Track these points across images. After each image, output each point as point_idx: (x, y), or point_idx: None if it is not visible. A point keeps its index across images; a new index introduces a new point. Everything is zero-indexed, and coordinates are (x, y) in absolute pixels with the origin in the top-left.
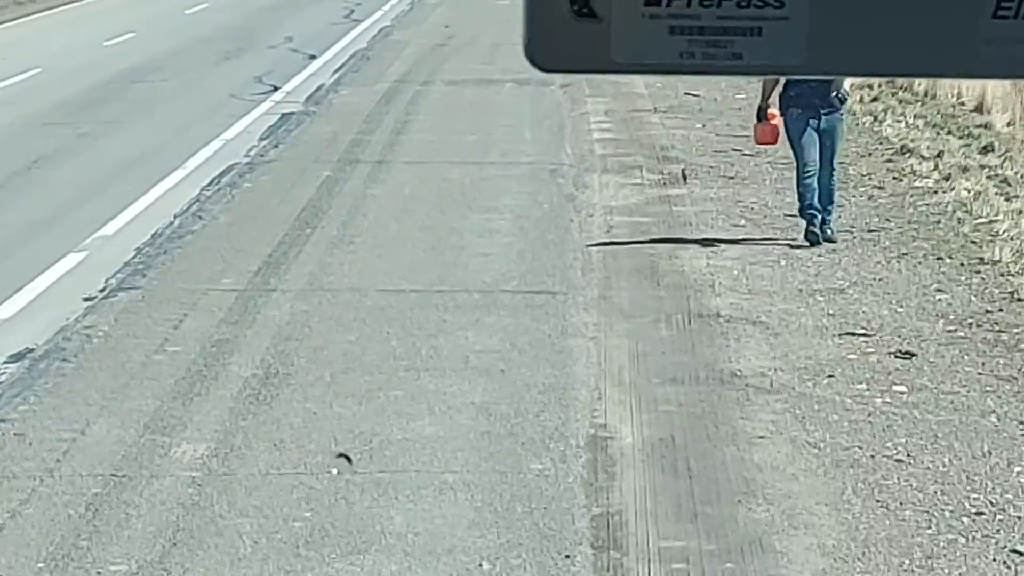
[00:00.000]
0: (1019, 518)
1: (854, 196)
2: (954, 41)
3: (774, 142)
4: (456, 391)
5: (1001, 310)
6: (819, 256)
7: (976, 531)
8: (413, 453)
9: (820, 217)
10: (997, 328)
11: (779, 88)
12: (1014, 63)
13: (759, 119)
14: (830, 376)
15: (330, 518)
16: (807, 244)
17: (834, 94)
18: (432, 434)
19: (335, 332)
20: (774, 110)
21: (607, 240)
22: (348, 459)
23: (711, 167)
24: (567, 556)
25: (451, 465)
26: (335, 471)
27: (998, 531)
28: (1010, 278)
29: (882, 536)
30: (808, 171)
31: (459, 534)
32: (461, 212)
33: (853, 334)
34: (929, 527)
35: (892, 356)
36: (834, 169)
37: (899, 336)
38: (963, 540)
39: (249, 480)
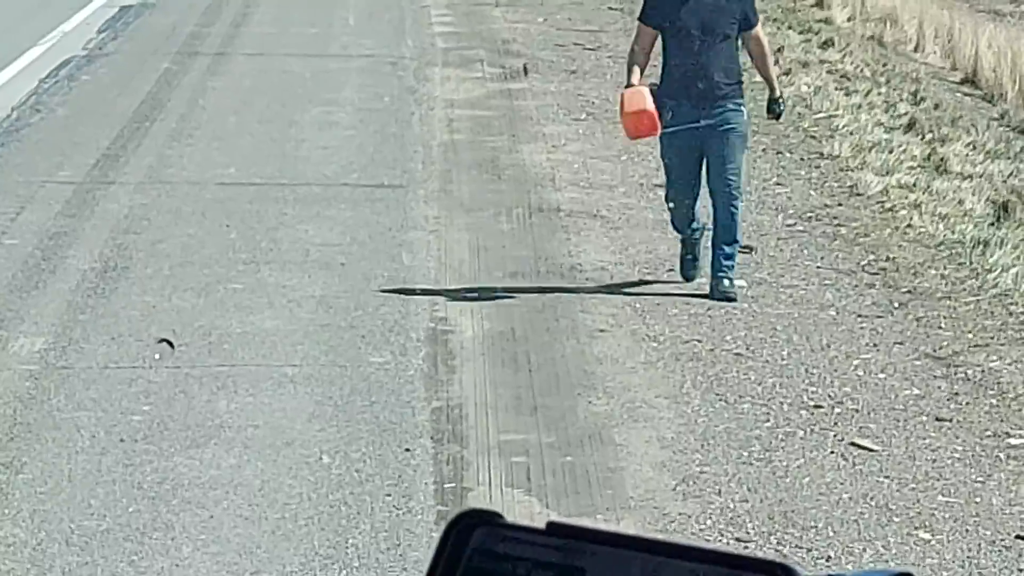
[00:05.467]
0: (857, 411)
1: None
2: None
3: (654, 132)
4: (296, 284)
5: (840, 204)
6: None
7: (814, 424)
8: (252, 346)
9: (694, 250)
10: (836, 222)
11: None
12: None
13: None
14: (670, 270)
15: (169, 411)
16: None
17: (770, 115)
18: (272, 327)
19: (174, 225)
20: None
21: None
22: (171, 344)
23: (552, 61)
24: (407, 449)
25: (291, 358)
26: (157, 356)
27: (836, 424)
28: (849, 172)
29: (721, 429)
30: (678, 195)
31: (298, 427)
32: (301, 105)
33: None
34: (767, 420)
35: None
36: (734, 196)
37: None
38: (801, 433)
39: (87, 374)
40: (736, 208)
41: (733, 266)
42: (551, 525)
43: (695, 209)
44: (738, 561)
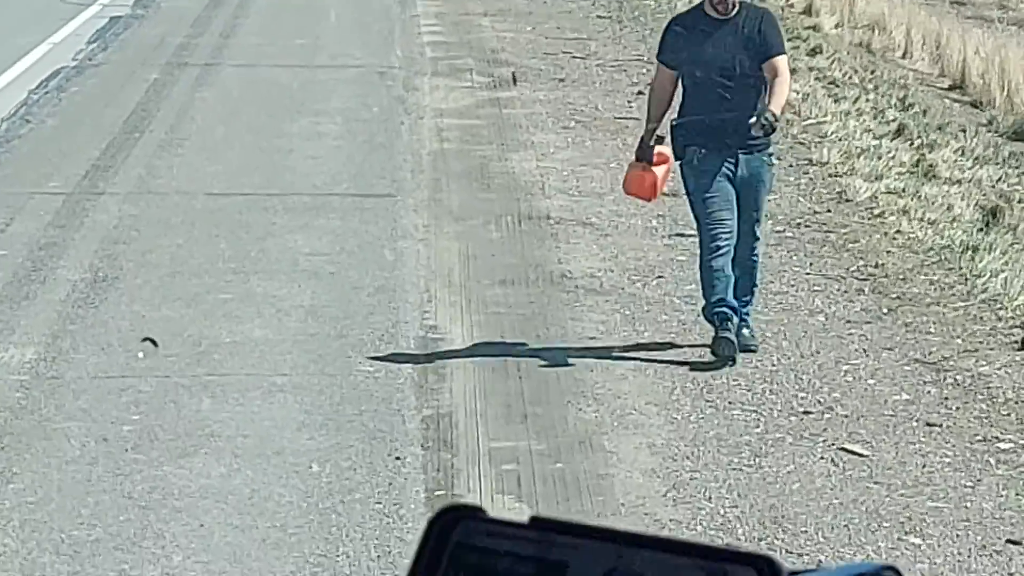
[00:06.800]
0: (846, 417)
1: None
2: None
3: (651, 197)
4: (285, 294)
5: (829, 211)
6: None
7: (804, 430)
8: (242, 356)
9: (736, 318)
10: (825, 228)
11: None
12: None
13: (639, 157)
14: (660, 277)
15: (159, 421)
16: (716, 359)
17: (755, 119)
18: (261, 337)
19: (163, 235)
20: (665, 148)
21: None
22: (154, 343)
23: (541, 70)
24: (397, 457)
25: (280, 368)
26: (141, 355)
27: (825, 430)
28: (838, 179)
29: (711, 435)
30: (719, 248)
31: (288, 436)
32: (290, 115)
33: (683, 235)
34: (757, 426)
35: None
36: (757, 239)
37: None
38: (791, 439)
39: (77, 383)
40: (758, 254)
41: (750, 311)
42: (534, 520)
43: (732, 259)
44: (721, 554)
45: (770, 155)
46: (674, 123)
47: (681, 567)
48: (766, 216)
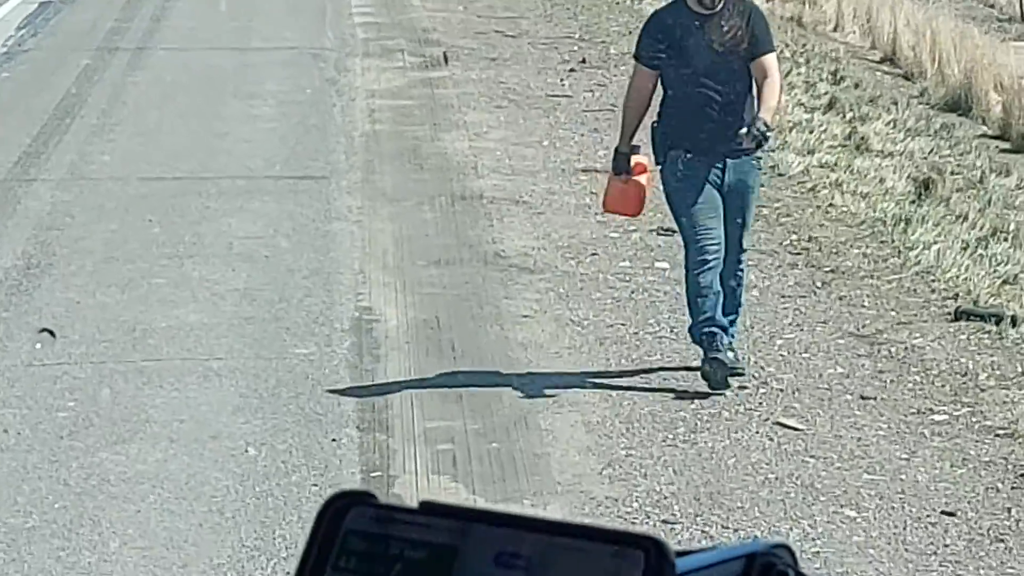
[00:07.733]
0: (782, 391)
1: (615, 75)
2: None
3: (635, 213)
4: (220, 278)
5: (762, 185)
6: (581, 136)
7: (739, 404)
8: (177, 341)
9: (726, 338)
10: (758, 203)
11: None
12: None
13: (616, 170)
14: (593, 254)
15: (94, 407)
16: (707, 383)
17: (745, 130)
18: (196, 321)
19: (97, 221)
20: (642, 157)
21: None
22: (52, 333)
23: (473, 49)
24: (333, 439)
25: (215, 352)
26: (38, 345)
27: (761, 404)
28: (770, 153)
29: (646, 412)
30: (707, 262)
31: (224, 420)
32: (223, 98)
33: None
34: (692, 401)
35: (654, 233)
36: (742, 252)
37: (661, 213)
38: (727, 414)
39: (12, 371)
40: (744, 270)
41: (735, 333)
42: (424, 504)
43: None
44: (610, 536)
45: (759, 159)
46: (655, 124)
47: (569, 548)
48: (752, 227)
